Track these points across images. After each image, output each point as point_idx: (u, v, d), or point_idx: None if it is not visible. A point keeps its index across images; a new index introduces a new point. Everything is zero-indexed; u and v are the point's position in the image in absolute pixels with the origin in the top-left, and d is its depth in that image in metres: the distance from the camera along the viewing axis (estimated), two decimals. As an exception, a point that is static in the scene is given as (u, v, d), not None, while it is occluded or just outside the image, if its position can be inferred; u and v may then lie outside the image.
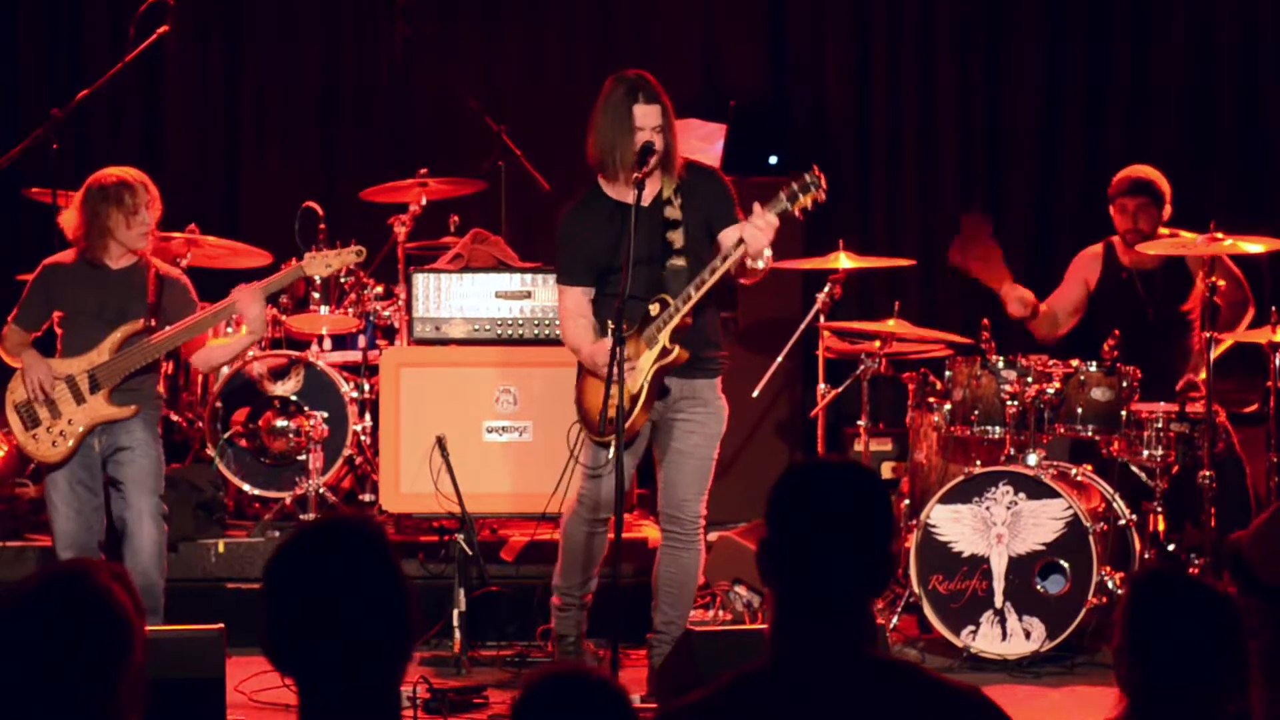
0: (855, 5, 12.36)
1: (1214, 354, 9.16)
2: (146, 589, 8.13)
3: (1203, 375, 9.15)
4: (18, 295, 8.90)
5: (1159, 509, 9.22)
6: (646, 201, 7.94)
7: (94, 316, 8.40)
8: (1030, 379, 9.18)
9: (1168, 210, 9.74)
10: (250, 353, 9.75)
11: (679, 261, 7.79)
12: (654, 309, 7.88)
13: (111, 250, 8.42)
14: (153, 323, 8.39)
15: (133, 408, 8.38)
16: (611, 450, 7.87)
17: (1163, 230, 9.71)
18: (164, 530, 8.50)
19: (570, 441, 8.34)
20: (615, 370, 7.48)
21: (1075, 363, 9.28)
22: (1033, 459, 9.07)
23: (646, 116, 7.87)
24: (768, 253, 7.71)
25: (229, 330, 9.11)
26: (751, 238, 7.63)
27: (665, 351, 7.82)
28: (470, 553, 8.72)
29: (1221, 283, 9.25)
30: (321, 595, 3.53)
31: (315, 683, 3.55)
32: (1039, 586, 8.77)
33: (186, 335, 8.46)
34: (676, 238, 7.82)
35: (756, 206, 7.69)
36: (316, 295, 10.26)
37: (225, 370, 9.93)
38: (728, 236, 7.93)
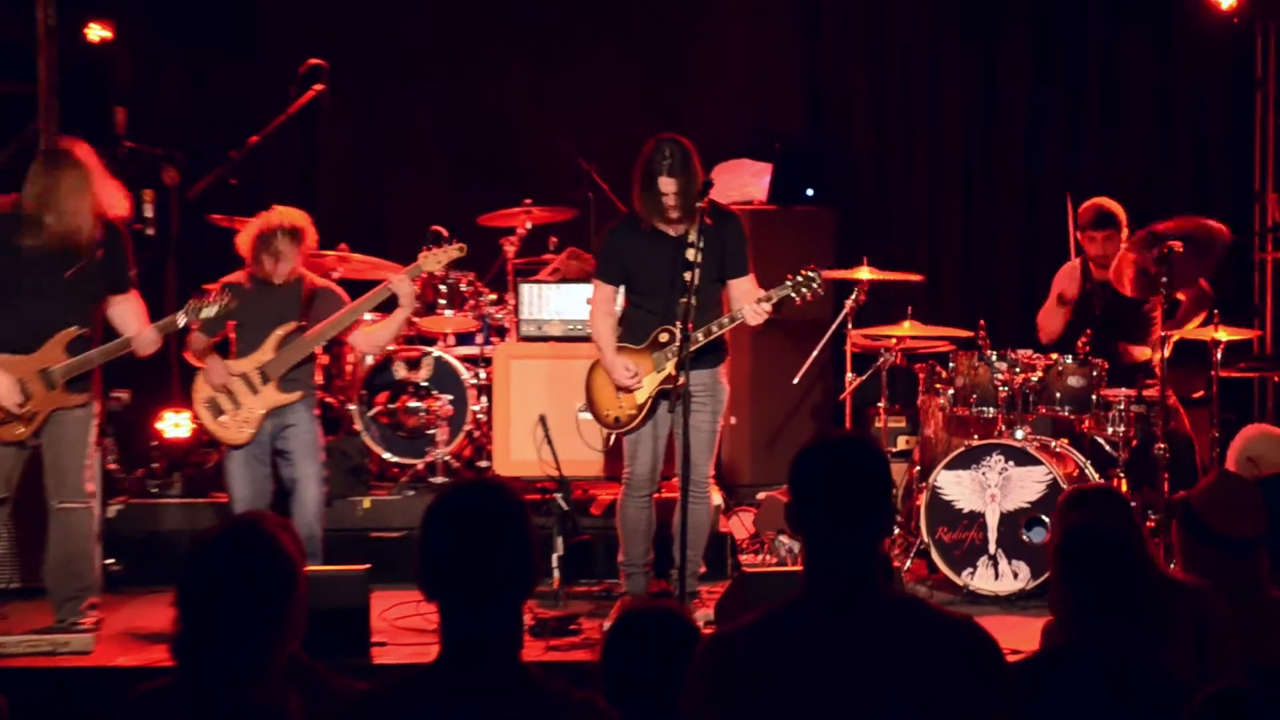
0: (875, 68, 12.31)
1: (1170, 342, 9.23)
2: (309, 538, 8.22)
3: (1155, 357, 9.15)
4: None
5: (1122, 475, 9.19)
6: (675, 232, 8.05)
7: (260, 325, 8.50)
8: (1018, 369, 9.22)
9: (1125, 232, 9.73)
10: (390, 347, 9.86)
11: (693, 300, 7.72)
12: (664, 337, 8.03)
13: (273, 269, 8.51)
14: (304, 323, 8.48)
15: (298, 393, 8.47)
16: (613, 437, 8.38)
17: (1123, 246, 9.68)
18: (324, 491, 8.59)
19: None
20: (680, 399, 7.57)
21: (1054, 356, 9.31)
22: (1020, 434, 9.12)
23: (669, 185, 7.98)
24: (762, 319, 8.00)
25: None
26: (750, 316, 8.00)
27: (670, 378, 7.91)
28: (566, 509, 8.77)
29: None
30: (469, 539, 3.58)
31: (458, 609, 3.59)
32: (1025, 537, 8.78)
33: (337, 328, 8.55)
34: (692, 278, 7.76)
35: (761, 293, 8.02)
36: (443, 302, 10.29)
37: (370, 360, 10.00)
38: (738, 288, 8.15)
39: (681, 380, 7.66)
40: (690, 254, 7.84)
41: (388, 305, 8.76)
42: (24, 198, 7.93)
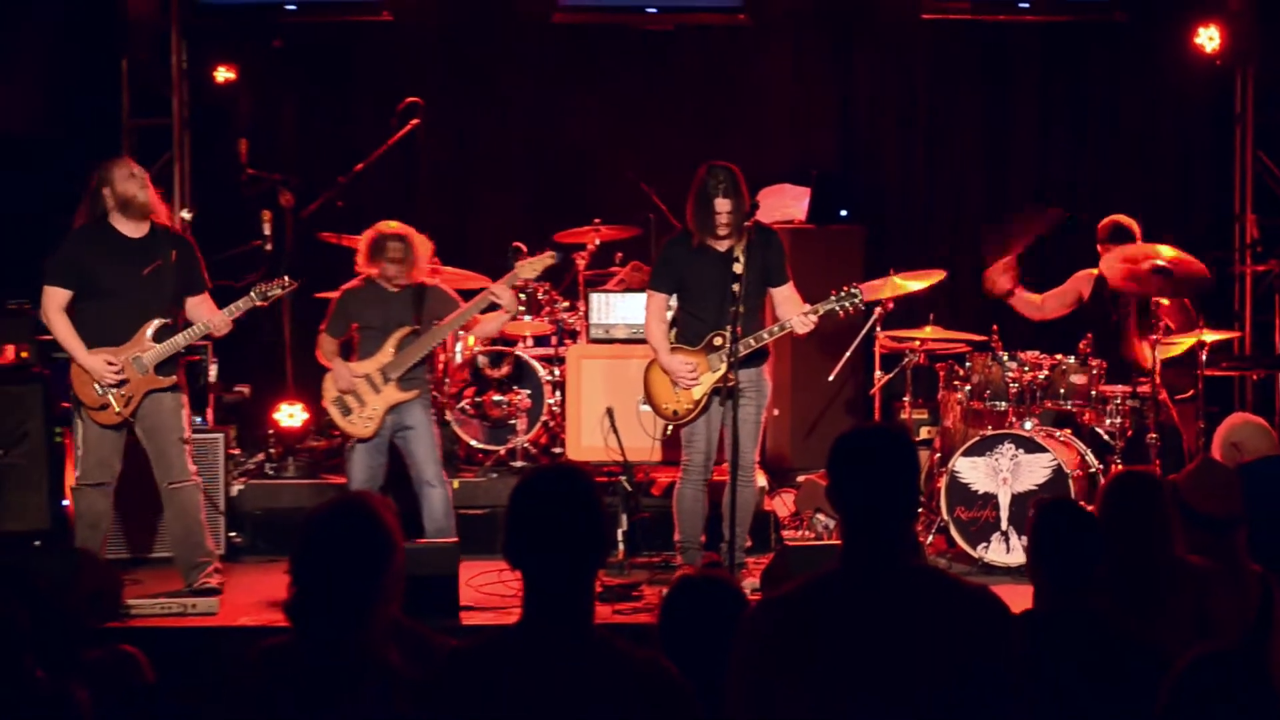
0: (901, 104, 12.28)
1: (1166, 354, 9.20)
2: (439, 532, 8.36)
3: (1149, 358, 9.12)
4: (319, 309, 9.04)
5: (1118, 461, 9.15)
6: (723, 247, 8.05)
7: (380, 329, 8.52)
8: (1027, 368, 9.19)
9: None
10: (477, 347, 9.90)
11: (740, 309, 7.79)
12: (718, 341, 8.05)
13: (388, 278, 8.53)
14: (418, 326, 8.49)
15: (415, 391, 8.50)
16: (670, 428, 8.43)
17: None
18: (447, 488, 8.60)
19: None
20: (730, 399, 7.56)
21: (1059, 356, 9.27)
22: (1029, 425, 9.08)
23: (722, 205, 8.02)
24: (809, 329, 8.06)
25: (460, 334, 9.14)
26: (798, 326, 8.04)
27: (725, 378, 7.88)
28: (630, 489, 8.78)
29: (1165, 302, 9.24)
30: (551, 515, 3.57)
31: (540, 577, 3.58)
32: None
33: (449, 329, 8.61)
34: (740, 289, 7.82)
35: (807, 306, 8.06)
36: (522, 308, 10.30)
37: (458, 359, 10.01)
38: (780, 295, 8.19)
39: (733, 379, 7.73)
40: (737, 268, 7.88)
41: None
42: (82, 208, 8.02)
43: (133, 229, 7.93)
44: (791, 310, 8.12)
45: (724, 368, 7.91)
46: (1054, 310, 10.06)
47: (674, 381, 8.20)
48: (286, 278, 8.28)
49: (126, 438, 8.05)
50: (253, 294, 8.16)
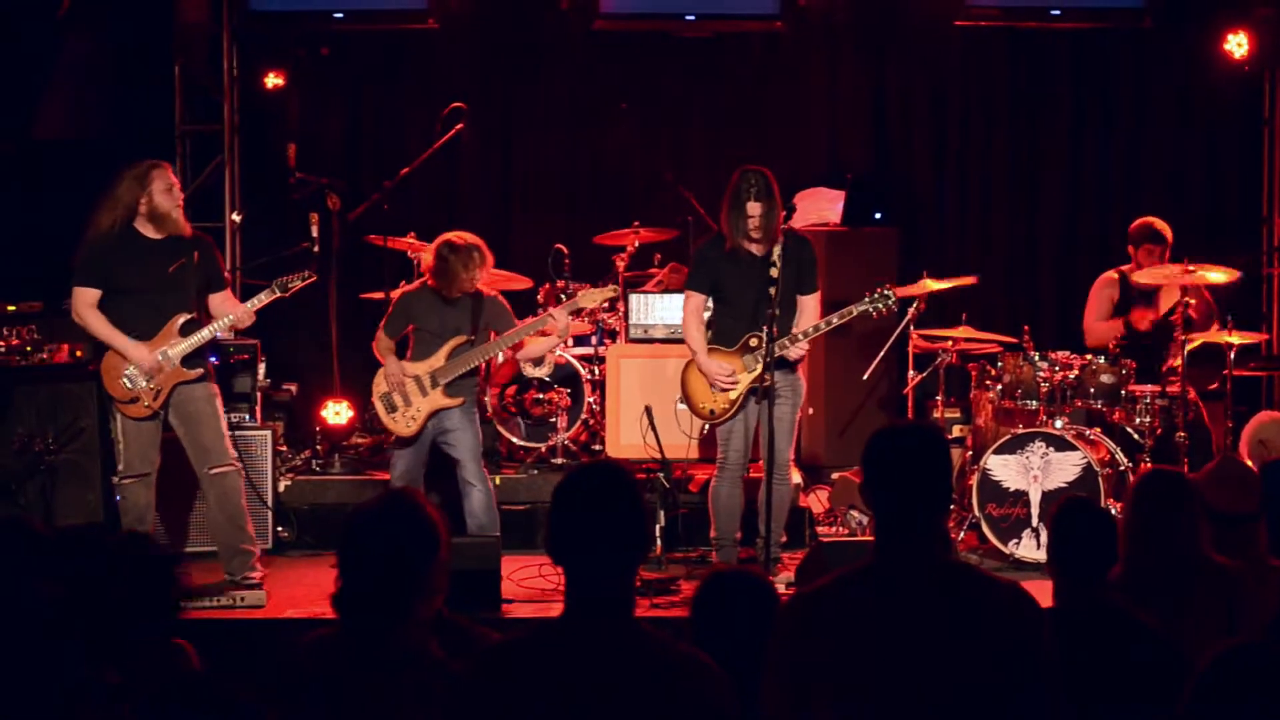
0: (935, 109, 12.27)
1: (1187, 349, 9.12)
2: (483, 531, 8.36)
3: (1179, 362, 9.10)
4: (364, 310, 9.07)
5: (1147, 459, 9.12)
6: (760, 252, 8.07)
7: (436, 335, 8.56)
8: (1057, 367, 9.16)
9: (1169, 250, 9.70)
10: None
11: (775, 313, 7.88)
12: (753, 342, 8.08)
13: (451, 287, 8.57)
14: (473, 337, 8.52)
15: (460, 399, 8.53)
16: (707, 426, 8.44)
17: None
18: (489, 485, 8.61)
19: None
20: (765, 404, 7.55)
21: (1089, 356, 9.26)
22: (1059, 423, 9.05)
23: (754, 209, 8.04)
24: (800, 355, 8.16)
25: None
26: (826, 327, 8.14)
27: (761, 378, 7.92)
28: (667, 486, 8.76)
29: (1192, 300, 9.19)
30: (593, 512, 3.57)
31: (582, 572, 3.58)
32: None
33: (502, 345, 8.62)
34: (776, 292, 7.92)
35: (813, 310, 8.21)
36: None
37: (500, 357, 10.03)
38: (803, 303, 8.24)
39: (769, 380, 7.78)
40: (774, 272, 7.92)
41: (523, 309, 8.78)
42: (104, 206, 8.04)
43: (154, 231, 7.99)
44: (806, 321, 8.20)
45: (759, 368, 7.94)
46: (1110, 318, 10.01)
47: (711, 384, 8.22)
48: (306, 270, 8.33)
49: (161, 431, 8.11)
50: (274, 286, 8.25)
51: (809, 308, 8.28)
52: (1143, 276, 9.58)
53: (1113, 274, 10.07)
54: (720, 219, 8.27)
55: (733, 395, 8.17)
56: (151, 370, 7.90)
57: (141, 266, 7.94)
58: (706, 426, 8.51)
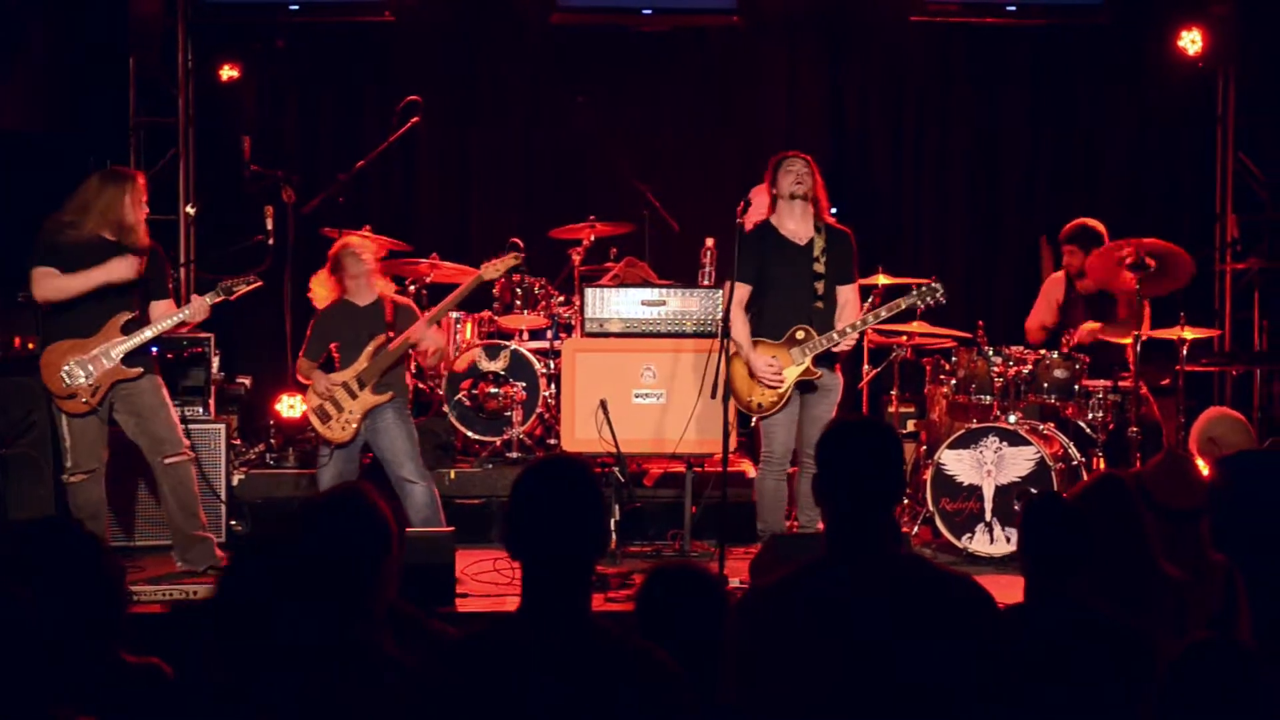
0: (892, 105, 12.31)
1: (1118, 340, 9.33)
2: (428, 525, 8.33)
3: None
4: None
5: (1100, 454, 9.18)
6: (803, 241, 8.14)
7: (355, 342, 8.58)
8: (1011, 362, 9.21)
9: (1104, 245, 9.75)
10: (474, 340, 9.98)
11: (819, 304, 8.10)
12: (800, 335, 8.14)
13: (355, 293, 8.62)
14: (391, 335, 8.53)
15: (390, 394, 8.53)
16: (754, 419, 8.50)
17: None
18: (430, 483, 8.60)
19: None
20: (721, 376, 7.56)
21: (1043, 351, 9.31)
22: (1013, 418, 9.09)
23: (795, 163, 8.26)
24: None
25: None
26: (873, 319, 8.30)
27: (809, 371, 8.13)
28: (623, 480, 8.76)
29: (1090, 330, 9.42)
30: (551, 506, 3.55)
31: (539, 568, 3.56)
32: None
33: (418, 333, 8.57)
34: (820, 287, 8.13)
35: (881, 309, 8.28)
36: (519, 303, 10.34)
37: (455, 353, 10.06)
38: (841, 294, 8.32)
39: (817, 373, 8.17)
40: (818, 266, 8.15)
41: (479, 303, 8.75)
42: (74, 205, 8.03)
43: (111, 235, 7.97)
44: (849, 314, 8.31)
45: (807, 362, 8.13)
46: (1050, 320, 10.14)
47: (758, 379, 8.24)
48: (251, 275, 8.37)
49: (107, 426, 8.10)
50: (218, 289, 8.29)
51: (849, 298, 8.36)
52: (1095, 269, 9.61)
53: (1059, 275, 10.17)
54: (763, 194, 8.44)
55: (781, 389, 8.20)
56: (129, 275, 7.91)
57: (94, 263, 7.89)
58: (753, 420, 8.54)
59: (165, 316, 8.10)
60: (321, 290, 8.73)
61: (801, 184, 8.19)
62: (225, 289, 8.24)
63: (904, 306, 8.29)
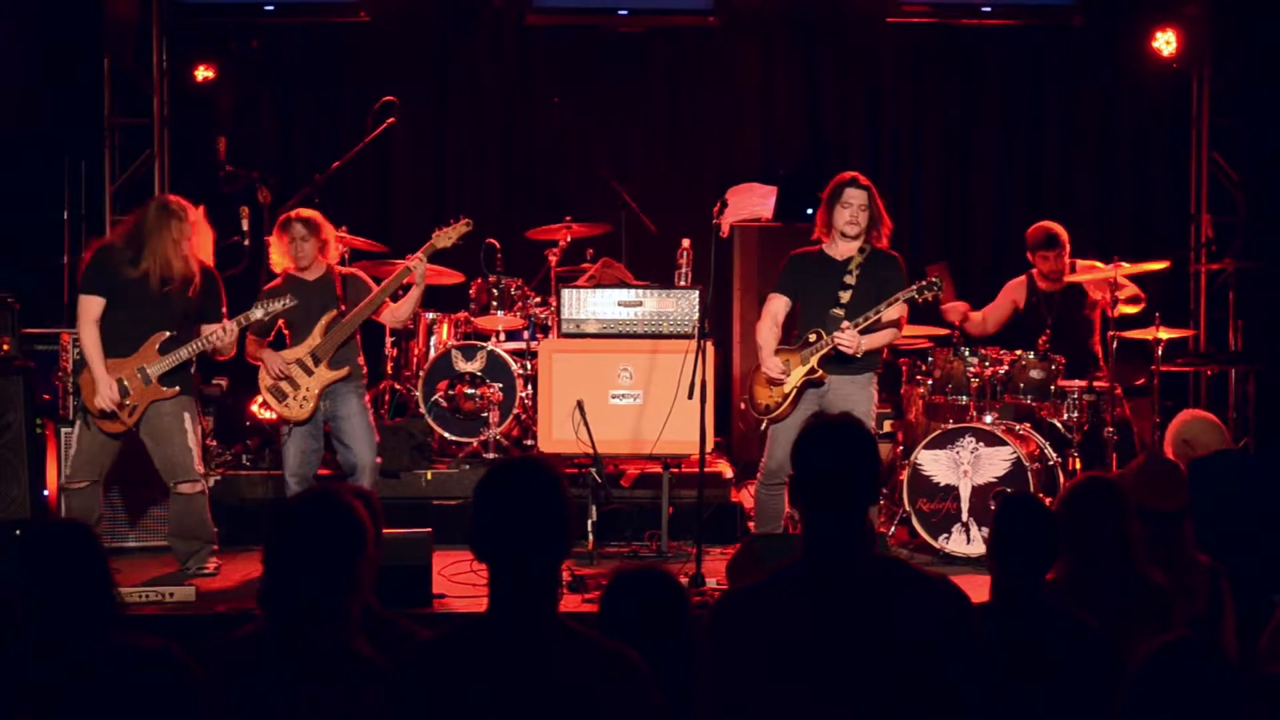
0: (867, 105, 12.32)
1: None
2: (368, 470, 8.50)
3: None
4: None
5: (1075, 454, 9.22)
6: (841, 258, 8.20)
7: (306, 317, 8.56)
8: (987, 363, 9.23)
9: (1068, 250, 9.83)
10: (451, 341, 9.95)
11: (839, 312, 8.07)
12: (812, 337, 8.15)
13: (302, 266, 8.62)
14: (342, 308, 8.54)
15: (345, 369, 8.55)
16: (764, 424, 8.39)
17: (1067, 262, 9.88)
18: (375, 467, 8.67)
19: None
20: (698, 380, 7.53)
21: (1019, 352, 9.33)
22: (989, 418, 9.11)
23: (854, 196, 8.20)
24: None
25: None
26: (886, 314, 8.16)
27: (813, 370, 8.12)
28: (599, 481, 8.76)
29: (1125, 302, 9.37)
30: (514, 507, 3.54)
31: (506, 568, 3.55)
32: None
33: (370, 309, 8.61)
34: (845, 297, 8.10)
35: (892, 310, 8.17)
36: (496, 304, 10.32)
37: (432, 354, 10.04)
38: (888, 314, 8.20)
39: (819, 374, 8.14)
40: (849, 279, 8.18)
41: (455, 304, 8.72)
42: (128, 236, 8.13)
43: (156, 274, 8.05)
44: (887, 332, 8.30)
45: (812, 361, 8.12)
46: (996, 323, 10.23)
47: (769, 380, 8.28)
48: (288, 296, 8.37)
49: (118, 444, 8.17)
50: (258, 305, 8.31)
51: (894, 318, 8.27)
52: (1078, 276, 9.69)
53: (1021, 279, 10.23)
54: (817, 218, 8.39)
55: (786, 388, 8.20)
56: (107, 406, 7.97)
57: (135, 282, 7.99)
58: (764, 424, 8.49)
59: (204, 338, 8.12)
60: (275, 255, 8.71)
61: (855, 225, 8.17)
62: (264, 305, 8.28)
63: (901, 300, 8.21)
